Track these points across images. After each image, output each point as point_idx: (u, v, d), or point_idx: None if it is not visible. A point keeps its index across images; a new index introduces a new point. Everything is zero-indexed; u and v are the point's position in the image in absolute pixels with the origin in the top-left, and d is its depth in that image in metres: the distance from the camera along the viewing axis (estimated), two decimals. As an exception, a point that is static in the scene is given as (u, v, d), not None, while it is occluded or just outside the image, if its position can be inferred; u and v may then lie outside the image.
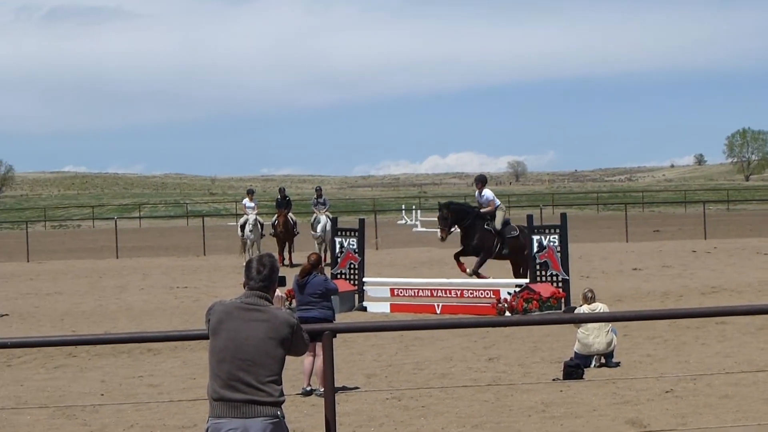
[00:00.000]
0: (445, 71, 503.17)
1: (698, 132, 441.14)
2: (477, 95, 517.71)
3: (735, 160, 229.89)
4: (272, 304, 8.03)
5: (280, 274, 8.33)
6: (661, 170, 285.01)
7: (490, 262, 29.38)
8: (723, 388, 16.06)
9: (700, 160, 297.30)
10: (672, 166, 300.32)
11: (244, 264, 8.36)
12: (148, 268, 41.75)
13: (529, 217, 27.88)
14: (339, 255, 29.00)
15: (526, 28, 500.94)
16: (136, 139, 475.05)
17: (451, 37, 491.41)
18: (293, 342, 7.95)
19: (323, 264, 18.44)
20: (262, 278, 8.01)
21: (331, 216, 39.02)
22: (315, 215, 41.31)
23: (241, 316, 7.89)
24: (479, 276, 28.51)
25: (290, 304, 26.08)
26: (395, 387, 17.03)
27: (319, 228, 40.40)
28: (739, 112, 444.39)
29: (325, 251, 38.81)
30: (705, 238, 51.91)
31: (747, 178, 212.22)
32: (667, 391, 15.97)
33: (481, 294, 26.77)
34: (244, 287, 8.10)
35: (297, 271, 17.80)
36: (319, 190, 42.59)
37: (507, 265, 29.98)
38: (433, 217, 75.87)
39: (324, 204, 41.49)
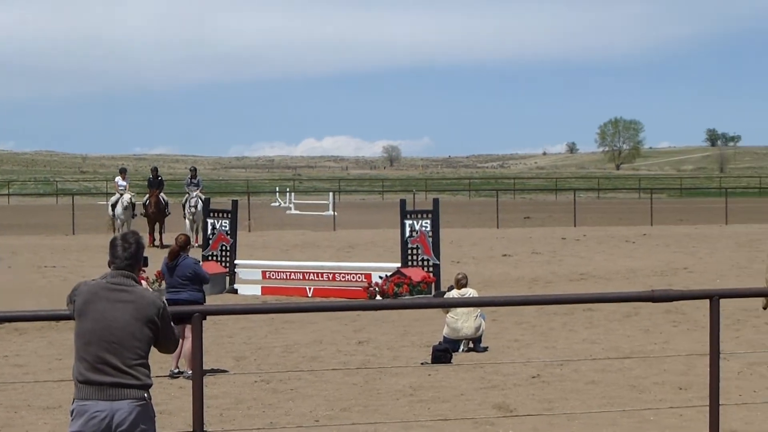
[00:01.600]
0: (323, 54, 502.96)
1: (571, 120, 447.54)
2: (353, 79, 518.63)
3: (606, 149, 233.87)
4: (138, 283, 7.90)
5: (145, 255, 8.19)
6: (533, 158, 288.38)
7: None
8: (589, 374, 16.31)
9: (572, 149, 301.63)
10: (544, 153, 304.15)
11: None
12: (16, 247, 40.95)
13: (402, 202, 28.00)
14: (211, 236, 28.77)
15: (404, 14, 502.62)
16: (6, 116, 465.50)
17: (330, 21, 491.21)
18: (161, 327, 7.77)
19: (194, 245, 18.26)
20: (128, 256, 7.85)
21: (203, 197, 38.75)
22: (187, 195, 40.97)
23: (108, 296, 7.69)
24: None
25: (159, 285, 25.88)
26: (264, 370, 16.97)
27: (189, 208, 40.05)
28: (611, 102, 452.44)
29: (197, 232, 38.55)
30: (575, 226, 52.69)
31: (618, 167, 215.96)
32: (534, 377, 16.16)
33: (353, 277, 26.81)
34: (109, 266, 7.93)
35: (167, 252, 17.58)
36: (193, 171, 42.28)
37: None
38: (308, 200, 75.98)
39: (197, 185, 41.16)
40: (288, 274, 27.84)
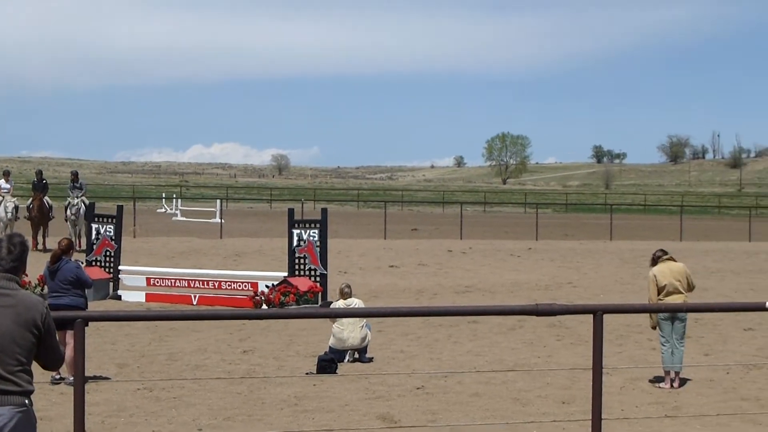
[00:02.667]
0: (213, 61, 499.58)
1: (459, 134, 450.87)
2: (243, 86, 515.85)
3: (494, 163, 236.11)
4: (21, 287, 7.72)
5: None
6: (421, 170, 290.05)
7: None
8: (473, 386, 16.40)
9: (459, 162, 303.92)
10: (432, 166, 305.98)
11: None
12: None
13: (290, 211, 27.94)
14: (95, 241, 28.39)
15: (296, 23, 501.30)
16: None
17: (221, 27, 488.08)
18: (44, 334, 7.54)
19: (76, 250, 18.00)
20: (13, 258, 7.67)
21: (87, 201, 38.27)
22: (69, 200, 40.39)
23: None
24: None
25: (42, 290, 25.45)
26: (147, 378, 16.78)
27: (70, 211, 39.51)
28: (499, 117, 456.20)
29: (79, 237, 38.03)
30: (461, 239, 53.02)
31: (504, 182, 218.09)
32: (418, 388, 16.20)
33: (239, 286, 26.65)
34: None
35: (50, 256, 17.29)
36: (74, 174, 41.71)
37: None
38: (194, 207, 75.42)
39: (80, 188, 40.58)
40: (173, 281, 27.58)
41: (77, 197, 39.75)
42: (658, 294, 16.57)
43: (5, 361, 7.41)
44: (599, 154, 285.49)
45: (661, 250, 17.27)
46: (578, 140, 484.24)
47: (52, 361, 7.83)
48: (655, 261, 16.95)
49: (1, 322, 7.43)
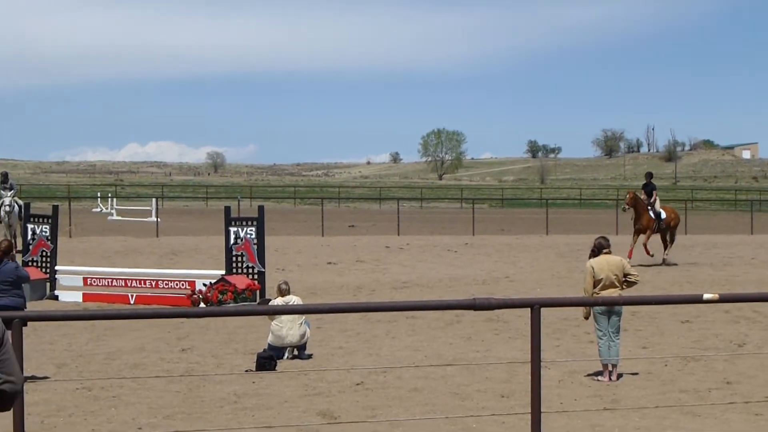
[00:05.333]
0: (147, 58, 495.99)
1: (394, 131, 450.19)
2: (178, 84, 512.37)
3: (429, 159, 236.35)
4: None
5: None
6: (357, 167, 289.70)
7: None
8: (412, 381, 16.47)
9: (395, 158, 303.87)
10: (368, 163, 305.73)
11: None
12: None
13: (227, 209, 27.88)
14: (31, 242, 28.21)
15: (230, 20, 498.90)
16: None
17: (155, 25, 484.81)
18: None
19: (15, 251, 17.88)
20: None
21: (20, 201, 38.00)
22: (1, 200, 39.99)
23: None
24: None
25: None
26: (86, 377, 16.71)
27: (3, 211, 39.14)
28: (434, 113, 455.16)
29: (14, 237, 37.69)
30: (398, 234, 53.14)
31: (440, 177, 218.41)
32: (357, 384, 16.25)
33: (176, 285, 26.58)
34: None
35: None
36: (5, 175, 41.31)
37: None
38: (129, 206, 75.00)
39: (11, 188, 40.17)
40: (110, 280, 27.46)
41: (9, 197, 39.38)
42: (594, 287, 16.71)
43: None
44: (534, 149, 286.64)
45: (603, 238, 17.37)
46: (513, 135, 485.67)
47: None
48: (596, 250, 17.03)
49: None
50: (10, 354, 6.72)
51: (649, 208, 37.68)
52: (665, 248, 38.49)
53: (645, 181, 39.23)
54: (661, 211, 38.14)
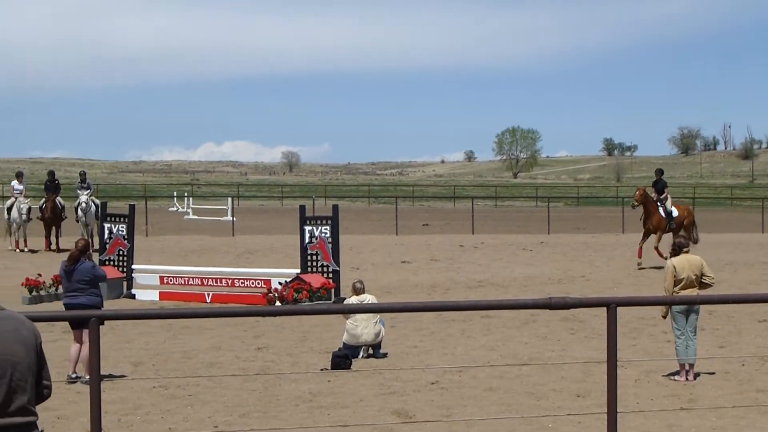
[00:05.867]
0: (224, 58, 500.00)
1: (469, 129, 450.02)
2: (254, 84, 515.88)
3: (504, 157, 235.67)
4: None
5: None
6: (431, 165, 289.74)
7: None
8: (487, 380, 16.41)
9: (470, 157, 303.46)
10: (443, 161, 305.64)
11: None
12: None
13: (302, 208, 27.96)
14: (108, 241, 28.49)
15: (306, 19, 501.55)
16: None
17: (233, 25, 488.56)
18: (40, 355, 6.73)
19: (91, 250, 18.06)
20: None
21: (97, 201, 38.42)
22: (78, 199, 40.48)
23: None
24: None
25: (56, 290, 25.56)
26: (162, 375, 16.83)
27: (79, 210, 39.60)
28: (509, 111, 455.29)
29: (91, 236, 38.05)
30: (473, 233, 53.02)
31: (515, 176, 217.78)
32: (432, 383, 16.22)
33: (252, 283, 26.70)
34: None
35: (64, 256, 17.38)
36: (82, 175, 41.78)
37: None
38: (206, 205, 75.49)
39: (87, 188, 40.62)
40: (186, 279, 27.63)
41: (85, 196, 39.80)
42: (675, 286, 16.56)
43: (26, 389, 6.62)
44: (610, 147, 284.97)
45: (683, 237, 17.24)
46: (589, 133, 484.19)
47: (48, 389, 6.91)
48: (677, 249, 16.87)
49: (14, 348, 6.57)
50: (45, 359, 6.85)
51: (659, 205, 36.32)
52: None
53: (655, 178, 37.86)
54: (673, 209, 36.81)
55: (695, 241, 36.22)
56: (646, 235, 36.13)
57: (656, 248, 35.72)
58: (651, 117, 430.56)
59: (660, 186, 36.94)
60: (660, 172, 38.56)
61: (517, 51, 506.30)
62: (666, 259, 33.75)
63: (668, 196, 37.11)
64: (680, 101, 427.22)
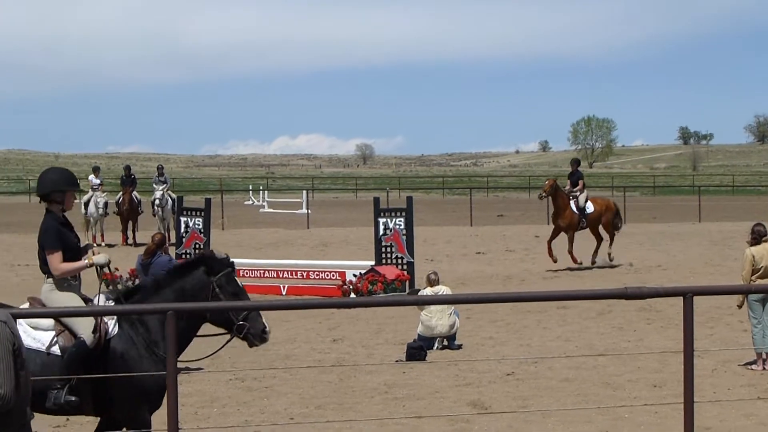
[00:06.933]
0: (297, 52, 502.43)
1: (544, 119, 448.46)
2: (328, 77, 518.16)
3: (579, 147, 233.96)
4: None
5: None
6: (506, 156, 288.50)
7: None
8: (563, 371, 16.35)
9: (545, 147, 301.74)
10: (517, 152, 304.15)
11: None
12: (-12, 245, 40.71)
13: (376, 200, 28.00)
14: (184, 235, 28.69)
15: (378, 12, 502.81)
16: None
17: (304, 19, 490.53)
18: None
19: (168, 244, 18.22)
20: None
21: (173, 195, 38.71)
22: (154, 194, 40.88)
23: None
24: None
25: (133, 283, 25.79)
26: (239, 368, 16.94)
27: (156, 204, 40.01)
28: (584, 100, 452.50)
29: (168, 230, 38.38)
30: (548, 224, 52.64)
31: (591, 165, 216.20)
32: (508, 374, 16.19)
33: (327, 275, 26.79)
34: None
35: (140, 250, 17.55)
36: (160, 168, 42.21)
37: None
38: (281, 198, 75.87)
39: (164, 182, 41.00)
40: (262, 272, 27.79)
41: (161, 190, 40.18)
42: (752, 275, 16.38)
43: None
44: (686, 136, 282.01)
45: (762, 225, 17.04)
46: (664, 122, 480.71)
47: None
48: (757, 237, 16.66)
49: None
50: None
51: (571, 199, 32.52)
52: (609, 243, 32.91)
53: (571, 170, 34.51)
54: (589, 204, 32.69)
55: (616, 228, 33.28)
56: (555, 233, 32.70)
57: (570, 252, 32.24)
58: (727, 105, 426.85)
59: (575, 178, 33.45)
60: (576, 162, 35.72)
61: (591, 40, 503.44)
62: (580, 263, 32.05)
63: (584, 189, 33.18)
64: (757, 89, 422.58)
